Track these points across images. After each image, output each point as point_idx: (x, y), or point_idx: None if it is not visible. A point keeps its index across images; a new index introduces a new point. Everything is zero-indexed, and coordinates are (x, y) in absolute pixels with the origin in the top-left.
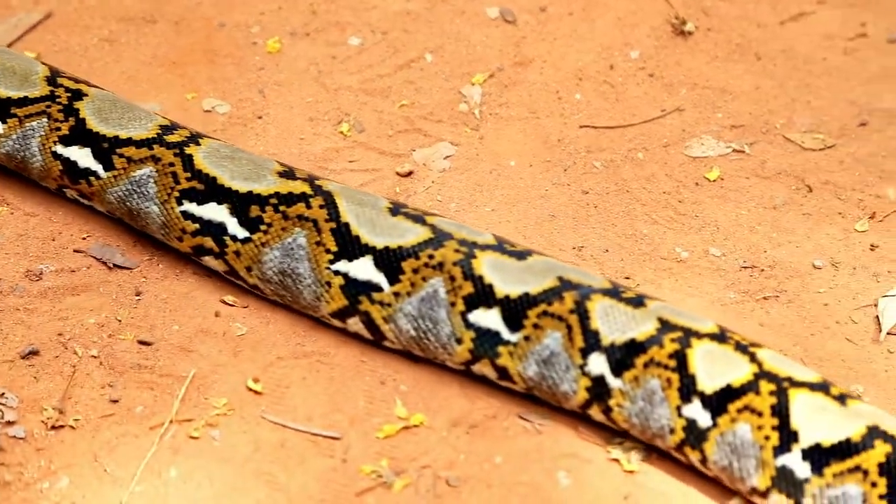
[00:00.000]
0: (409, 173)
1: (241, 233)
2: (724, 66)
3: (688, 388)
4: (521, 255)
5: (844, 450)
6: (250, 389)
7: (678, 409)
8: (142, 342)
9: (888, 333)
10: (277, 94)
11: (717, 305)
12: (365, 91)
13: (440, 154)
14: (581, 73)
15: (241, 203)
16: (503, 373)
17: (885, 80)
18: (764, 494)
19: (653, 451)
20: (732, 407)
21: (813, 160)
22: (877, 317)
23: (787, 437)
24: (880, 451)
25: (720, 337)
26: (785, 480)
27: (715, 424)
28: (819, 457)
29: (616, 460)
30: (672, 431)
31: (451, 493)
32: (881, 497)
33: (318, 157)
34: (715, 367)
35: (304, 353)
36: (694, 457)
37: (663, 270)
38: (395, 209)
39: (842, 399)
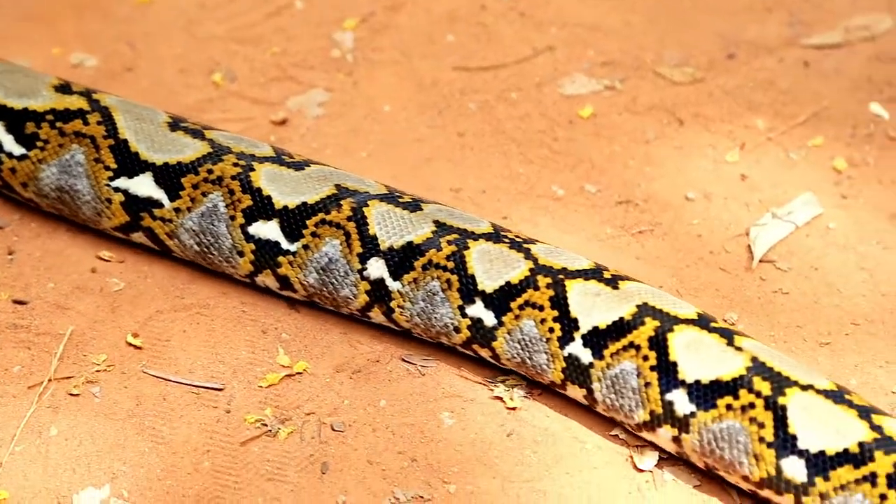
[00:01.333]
0: (284, 121)
1: (18, 150)
2: (593, 3)
3: (468, 289)
4: (300, 165)
5: (619, 329)
6: (130, 344)
7: (461, 308)
8: (17, 301)
9: (760, 261)
10: (147, 46)
11: (594, 241)
12: (235, 40)
13: (314, 101)
14: (453, 15)
15: (16, 120)
16: (285, 282)
17: (751, 12)
18: (562, 386)
19: (535, 388)
20: (514, 304)
21: (683, 94)
22: (749, 245)
23: (569, 327)
24: (650, 326)
25: (495, 236)
26: (573, 369)
27: (501, 323)
28: (598, 340)
29: (499, 398)
30: (457, 330)
31: (337, 439)
32: (652, 368)
33: (190, 108)
34: (493, 267)
35: (183, 305)
36: (484, 353)
37: (540, 208)
38: (175, 124)
39: (614, 282)
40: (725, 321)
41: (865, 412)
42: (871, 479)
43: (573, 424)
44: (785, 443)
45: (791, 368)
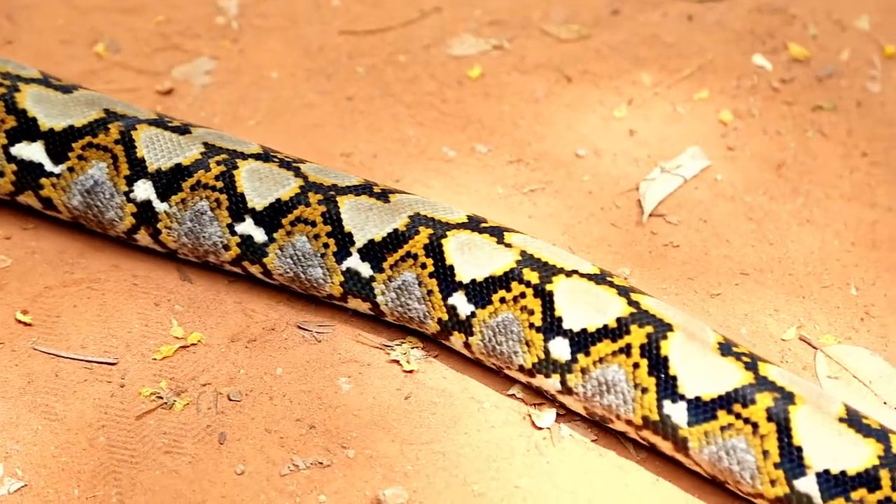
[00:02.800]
0: (170, 91)
1: None
2: None
3: (238, 207)
4: (68, 88)
5: (395, 241)
6: (19, 321)
7: (230, 226)
8: None
9: (650, 215)
10: (26, 18)
11: (486, 201)
12: (118, 10)
13: (200, 69)
14: None
15: None
16: (48, 203)
17: None
18: (342, 299)
19: (431, 349)
20: (286, 221)
21: (570, 51)
22: (639, 200)
23: (344, 242)
24: (424, 234)
25: (264, 156)
26: (354, 283)
27: (272, 239)
28: (375, 253)
29: (396, 361)
30: (227, 248)
31: (234, 409)
32: (431, 276)
33: (74, 79)
34: (263, 185)
35: (73, 280)
36: (255, 270)
37: (432, 170)
38: None
39: (384, 196)
40: (618, 276)
41: (625, 291)
42: (626, 350)
43: (470, 385)
44: (552, 326)
45: (558, 257)
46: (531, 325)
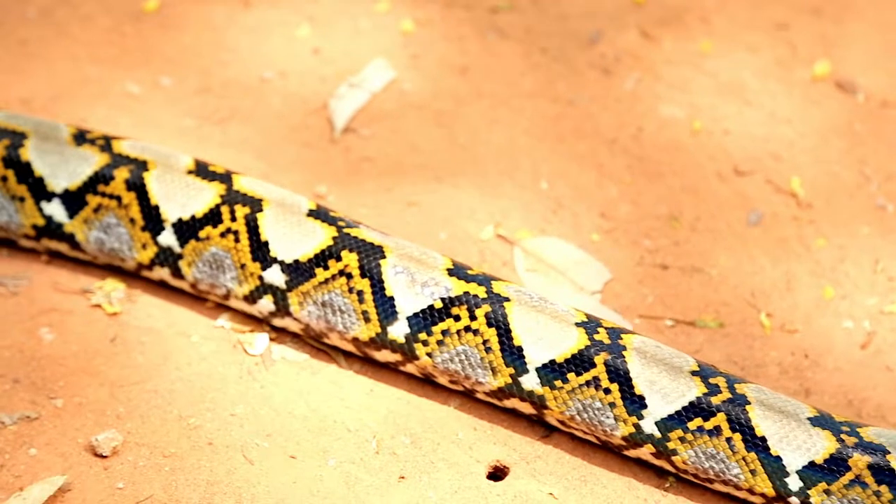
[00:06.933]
0: None
1: None
2: None
3: None
4: None
5: None
6: None
7: None
8: None
9: (342, 132)
10: None
11: (177, 134)
12: None
13: None
14: None
15: None
16: None
17: None
18: None
19: (134, 287)
20: None
21: None
22: (329, 118)
23: None
24: None
25: None
26: None
27: None
28: None
29: (98, 306)
30: None
31: None
32: None
33: None
34: None
35: None
36: None
37: (117, 108)
38: None
39: None
40: (317, 194)
41: None
42: None
43: (178, 319)
44: None
45: None
46: None
